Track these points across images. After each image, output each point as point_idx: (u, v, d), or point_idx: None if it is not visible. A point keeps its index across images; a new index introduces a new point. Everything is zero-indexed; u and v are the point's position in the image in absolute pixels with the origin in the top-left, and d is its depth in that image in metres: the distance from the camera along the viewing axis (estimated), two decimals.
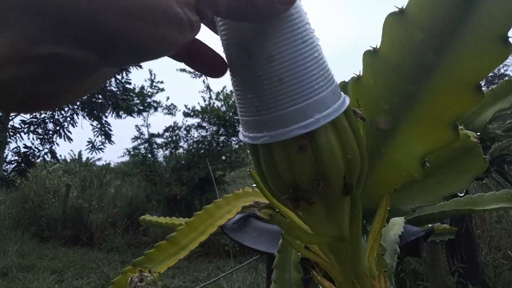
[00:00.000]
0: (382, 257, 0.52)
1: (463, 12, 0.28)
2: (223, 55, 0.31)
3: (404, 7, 0.30)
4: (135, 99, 8.79)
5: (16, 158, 8.06)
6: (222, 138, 7.70)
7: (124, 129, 9.16)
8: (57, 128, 8.40)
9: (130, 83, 8.89)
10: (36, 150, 8.22)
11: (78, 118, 8.64)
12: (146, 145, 8.13)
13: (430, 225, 1.32)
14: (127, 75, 8.75)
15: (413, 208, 0.50)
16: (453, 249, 3.06)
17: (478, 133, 1.65)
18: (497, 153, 1.87)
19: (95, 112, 8.53)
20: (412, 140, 0.36)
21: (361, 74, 0.35)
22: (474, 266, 3.09)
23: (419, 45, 0.31)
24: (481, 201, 0.95)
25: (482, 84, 0.29)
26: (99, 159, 11.70)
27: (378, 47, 0.32)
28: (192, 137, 7.97)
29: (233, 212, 1.31)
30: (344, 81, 0.41)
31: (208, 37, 0.33)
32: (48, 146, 8.34)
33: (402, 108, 0.34)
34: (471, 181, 0.46)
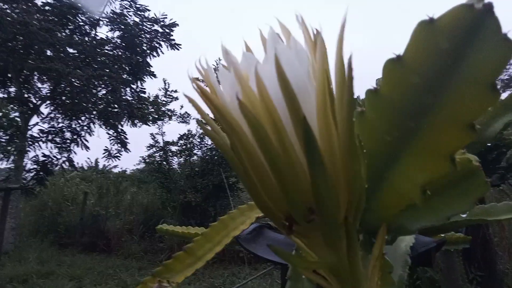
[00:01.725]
0: (389, 275, 0.54)
1: (454, 61, 0.30)
2: None
3: (401, 55, 0.33)
4: (150, 108, 8.94)
5: (35, 166, 8.27)
6: None
7: (140, 138, 9.30)
8: (75, 137, 8.59)
9: (144, 92, 9.06)
10: (54, 158, 8.43)
11: (94, 127, 8.84)
12: (161, 153, 8.23)
13: (443, 234, 1.32)
14: (141, 84, 8.93)
15: (419, 227, 0.52)
16: (470, 257, 3.03)
17: (489, 143, 1.65)
18: None
19: (111, 121, 8.70)
20: (412, 169, 0.38)
21: (364, 108, 0.37)
22: (492, 274, 3.04)
23: (416, 88, 0.33)
24: (494, 211, 0.95)
25: (499, 86, 0.31)
26: (115, 167, 11.88)
27: (379, 87, 0.35)
28: (206, 145, 8.05)
29: (247, 223, 1.33)
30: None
31: None
32: (66, 155, 8.53)
33: (403, 140, 0.37)
34: (474, 203, 0.47)
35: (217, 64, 7.49)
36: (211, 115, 0.38)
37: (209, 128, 0.38)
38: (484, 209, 0.97)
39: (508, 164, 2.03)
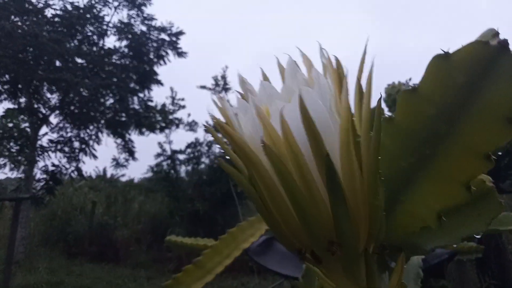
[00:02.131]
0: None
1: (470, 94, 0.31)
2: None
3: (416, 86, 0.33)
4: (157, 116, 8.99)
5: (45, 176, 8.34)
6: None
7: (147, 146, 9.33)
8: (83, 146, 8.66)
9: (152, 101, 9.12)
10: (63, 168, 8.48)
11: (102, 136, 8.90)
12: (169, 161, 8.26)
13: (455, 245, 1.31)
14: (149, 93, 8.99)
15: (433, 247, 0.52)
16: (483, 265, 2.99)
17: (500, 152, 1.63)
18: None
19: (118, 129, 8.76)
20: (428, 195, 0.38)
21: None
22: (506, 282, 3.00)
23: (431, 118, 0.34)
24: (507, 220, 0.95)
25: None
26: (123, 175, 11.92)
27: (393, 115, 0.36)
28: (213, 153, 8.06)
29: (257, 235, 1.33)
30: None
31: None
32: (74, 164, 8.59)
33: (418, 166, 0.37)
34: (489, 224, 0.48)
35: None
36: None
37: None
38: (497, 219, 0.96)
39: None
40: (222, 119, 0.37)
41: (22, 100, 8.22)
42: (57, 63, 7.86)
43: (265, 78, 0.41)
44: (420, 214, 0.41)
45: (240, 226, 1.38)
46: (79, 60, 8.24)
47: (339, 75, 0.31)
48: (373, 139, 0.29)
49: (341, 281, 0.36)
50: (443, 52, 0.31)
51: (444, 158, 0.35)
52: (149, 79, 8.83)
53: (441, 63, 0.31)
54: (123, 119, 8.69)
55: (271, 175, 0.32)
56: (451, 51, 0.31)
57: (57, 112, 8.34)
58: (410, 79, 1.80)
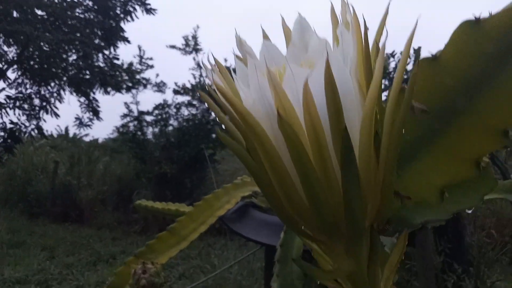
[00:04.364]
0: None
1: (496, 66, 0.29)
2: None
3: (437, 54, 0.30)
4: (124, 75, 8.65)
5: (2, 134, 7.96)
6: (212, 116, 7.66)
7: (113, 106, 9.05)
8: (44, 103, 8.27)
9: (118, 59, 8.75)
10: (23, 126, 8.11)
11: (65, 94, 8.52)
12: (136, 122, 8.05)
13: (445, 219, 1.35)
14: (115, 50, 8.60)
15: (422, 221, 0.51)
16: (440, 230, 3.16)
17: None
18: None
19: (82, 88, 8.40)
20: (432, 171, 0.37)
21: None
22: (460, 246, 3.20)
23: (449, 90, 0.31)
24: None
25: None
26: (86, 135, 11.57)
27: (405, 86, 0.33)
28: (182, 115, 7.92)
29: (232, 203, 1.32)
30: None
31: None
32: (34, 122, 8.23)
33: (426, 140, 0.35)
34: (481, 199, 0.47)
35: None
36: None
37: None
38: None
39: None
40: (218, 83, 0.32)
41: None
42: (15, 14, 7.35)
43: (266, 37, 0.36)
44: (420, 190, 0.39)
45: (216, 193, 1.36)
46: (39, 12, 7.73)
47: (366, 36, 0.27)
48: (401, 113, 0.26)
49: (341, 258, 0.34)
50: (473, 18, 0.28)
51: (456, 133, 0.33)
52: (115, 35, 8.41)
53: (470, 30, 0.28)
54: (87, 76, 8.32)
55: (276, 148, 0.29)
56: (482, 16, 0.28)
57: (15, 67, 7.87)
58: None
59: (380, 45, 0.27)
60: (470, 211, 0.96)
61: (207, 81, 0.32)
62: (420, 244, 2.59)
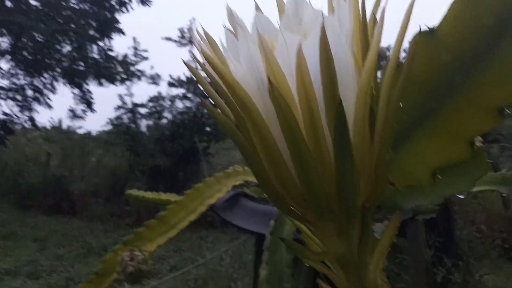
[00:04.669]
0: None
1: (495, 39, 0.28)
2: None
3: (435, 28, 0.30)
4: (118, 67, 8.58)
5: None
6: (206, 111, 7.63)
7: (107, 98, 8.97)
8: (37, 95, 8.18)
9: (112, 51, 8.67)
10: (15, 117, 8.03)
11: (58, 85, 8.43)
12: (130, 115, 8.00)
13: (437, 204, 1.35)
14: (109, 42, 8.52)
15: (413, 206, 0.51)
16: (431, 224, 3.18)
17: None
18: None
19: (76, 79, 8.31)
20: (426, 152, 0.36)
21: None
22: (450, 241, 3.22)
23: (446, 66, 0.31)
24: None
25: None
26: (80, 128, 11.47)
27: (402, 61, 0.32)
28: (176, 108, 7.88)
29: (223, 191, 1.31)
30: None
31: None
32: (27, 113, 8.15)
33: (420, 120, 0.35)
34: (474, 183, 0.47)
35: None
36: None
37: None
38: None
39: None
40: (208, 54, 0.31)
41: None
42: (8, 4, 7.25)
43: (258, 9, 0.35)
44: (413, 172, 0.39)
45: (207, 181, 1.36)
46: (33, 2, 7.62)
47: (363, 6, 0.26)
48: (398, 87, 0.25)
49: (331, 240, 0.34)
50: None
51: (451, 112, 0.32)
52: (110, 27, 8.33)
53: (470, 2, 0.28)
54: (81, 68, 8.25)
55: (267, 123, 0.28)
56: None
57: (8, 57, 7.77)
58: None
59: (379, 14, 0.26)
60: (462, 196, 0.96)
61: (196, 53, 0.31)
62: (412, 238, 2.60)
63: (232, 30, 0.35)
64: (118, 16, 8.46)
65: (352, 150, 0.25)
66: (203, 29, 0.33)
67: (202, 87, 0.33)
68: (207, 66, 0.29)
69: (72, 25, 7.71)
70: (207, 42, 0.31)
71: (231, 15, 0.35)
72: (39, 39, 7.43)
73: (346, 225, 0.31)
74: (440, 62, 0.31)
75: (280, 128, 0.25)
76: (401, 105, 0.27)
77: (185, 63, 0.31)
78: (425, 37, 0.30)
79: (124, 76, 8.49)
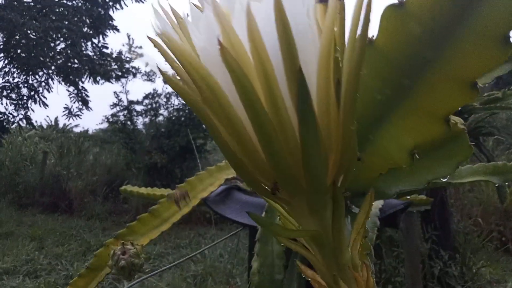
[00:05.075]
0: (366, 241, 0.52)
1: (465, 9, 0.27)
2: None
3: (404, 0, 0.29)
4: (113, 64, 8.54)
5: None
6: None
7: (102, 96, 8.94)
8: (32, 93, 8.13)
9: (107, 48, 8.62)
10: (10, 116, 7.98)
11: (53, 83, 8.38)
12: (125, 112, 7.98)
13: (408, 197, 1.35)
14: (103, 39, 8.47)
15: (397, 191, 0.50)
16: (428, 217, 3.19)
17: None
18: (474, 125, 1.90)
19: (71, 77, 8.26)
20: (402, 132, 0.35)
21: None
22: (447, 233, 3.23)
23: (416, 39, 0.30)
24: (458, 174, 0.97)
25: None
26: (76, 126, 11.44)
27: (374, 38, 0.31)
28: (172, 105, 7.86)
29: (216, 185, 1.30)
30: None
31: None
32: (22, 112, 8.10)
33: (394, 99, 0.34)
34: (456, 167, 0.46)
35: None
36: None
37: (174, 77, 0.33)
38: None
39: (469, 130, 2.09)
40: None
41: None
42: (0, 1, 7.20)
43: None
44: (391, 153, 0.38)
45: (199, 175, 1.35)
46: None
47: None
48: (356, 55, 0.24)
49: (304, 218, 0.33)
50: None
51: (425, 89, 0.31)
52: (104, 24, 8.28)
53: None
54: (76, 65, 8.20)
55: (229, 97, 0.27)
56: None
57: (1, 55, 7.72)
58: None
59: None
60: (445, 180, 0.95)
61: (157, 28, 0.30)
62: (407, 231, 2.61)
63: (199, 5, 0.34)
64: (112, 13, 8.41)
65: (316, 118, 0.24)
66: (170, 6, 0.32)
67: (169, 64, 0.32)
68: (160, 38, 0.28)
69: (66, 22, 7.66)
70: (170, 18, 0.30)
71: None
72: (33, 36, 7.38)
73: (317, 203, 0.30)
74: (409, 35, 0.30)
75: (239, 97, 0.24)
76: (365, 72, 0.26)
77: (149, 38, 0.30)
78: (395, 10, 0.29)
79: (119, 73, 8.46)
